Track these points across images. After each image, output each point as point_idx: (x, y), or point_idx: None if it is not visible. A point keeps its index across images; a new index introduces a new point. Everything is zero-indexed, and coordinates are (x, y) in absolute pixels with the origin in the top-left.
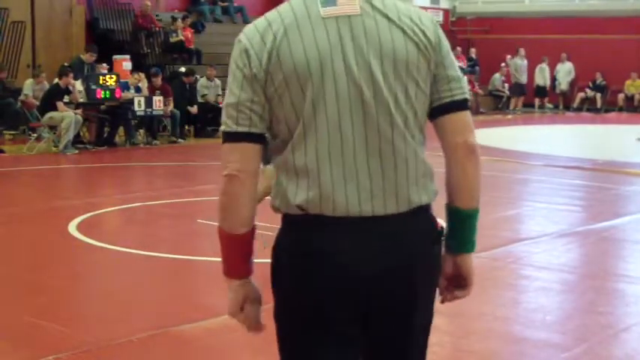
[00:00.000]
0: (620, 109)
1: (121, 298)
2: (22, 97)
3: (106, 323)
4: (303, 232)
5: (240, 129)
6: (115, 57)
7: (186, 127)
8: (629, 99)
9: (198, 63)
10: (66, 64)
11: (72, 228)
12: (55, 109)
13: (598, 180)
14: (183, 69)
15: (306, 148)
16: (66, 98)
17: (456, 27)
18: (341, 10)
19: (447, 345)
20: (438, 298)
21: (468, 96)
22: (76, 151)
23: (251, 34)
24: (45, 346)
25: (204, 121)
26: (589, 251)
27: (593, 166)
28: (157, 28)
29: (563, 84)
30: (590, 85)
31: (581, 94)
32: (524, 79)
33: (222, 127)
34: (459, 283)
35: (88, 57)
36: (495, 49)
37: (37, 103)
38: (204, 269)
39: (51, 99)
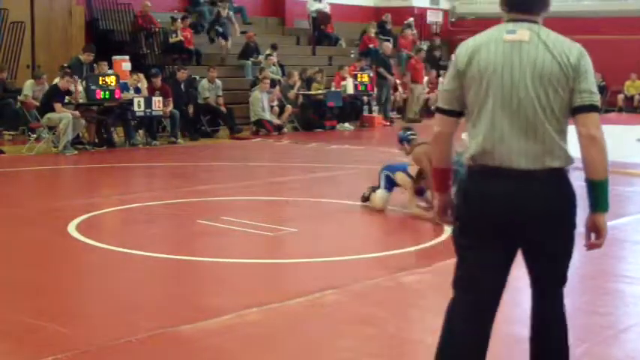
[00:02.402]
0: (620, 110)
1: (120, 299)
2: (21, 98)
3: (106, 324)
4: (473, 177)
5: (444, 106)
6: (115, 57)
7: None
8: (629, 99)
9: (198, 64)
10: (65, 64)
11: (71, 228)
12: (54, 109)
13: None
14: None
15: (480, 121)
16: (66, 99)
17: (456, 28)
18: (517, 38)
19: None
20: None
21: (595, 102)
22: (76, 152)
23: (461, 46)
24: (44, 347)
25: (200, 122)
26: (589, 251)
27: None
28: (157, 29)
29: None
30: None
31: None
32: None
33: (437, 104)
34: (596, 234)
35: (86, 57)
36: None
37: (37, 103)
38: (204, 269)
39: (50, 100)
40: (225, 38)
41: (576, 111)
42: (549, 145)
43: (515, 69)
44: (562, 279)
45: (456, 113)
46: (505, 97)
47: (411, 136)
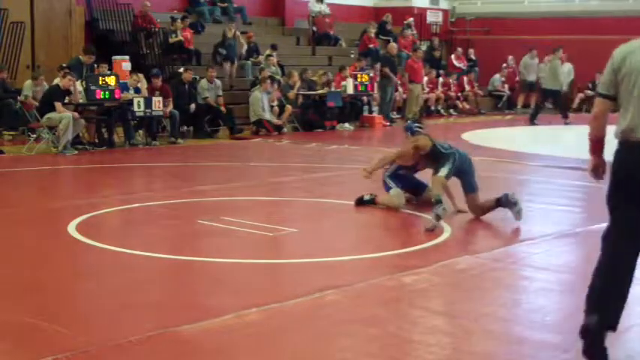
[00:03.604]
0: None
1: (120, 299)
2: (21, 98)
3: (106, 324)
4: (620, 149)
5: (603, 92)
6: (115, 58)
7: (185, 127)
8: None
9: (198, 64)
10: (64, 64)
11: (71, 228)
12: (54, 109)
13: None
14: (182, 70)
15: (628, 106)
16: (66, 99)
17: (456, 27)
18: None
19: (446, 346)
20: None
21: None
22: (76, 152)
23: (618, 49)
24: (44, 347)
25: (202, 122)
26: (589, 252)
27: None
28: (157, 29)
29: (563, 85)
30: (590, 85)
31: (580, 95)
32: (533, 77)
33: (597, 89)
34: None
35: (87, 58)
36: (495, 50)
37: (37, 103)
38: (204, 269)
39: (50, 100)
40: (232, 61)
41: None
42: None
43: None
44: None
45: (611, 97)
46: None
47: (416, 129)
